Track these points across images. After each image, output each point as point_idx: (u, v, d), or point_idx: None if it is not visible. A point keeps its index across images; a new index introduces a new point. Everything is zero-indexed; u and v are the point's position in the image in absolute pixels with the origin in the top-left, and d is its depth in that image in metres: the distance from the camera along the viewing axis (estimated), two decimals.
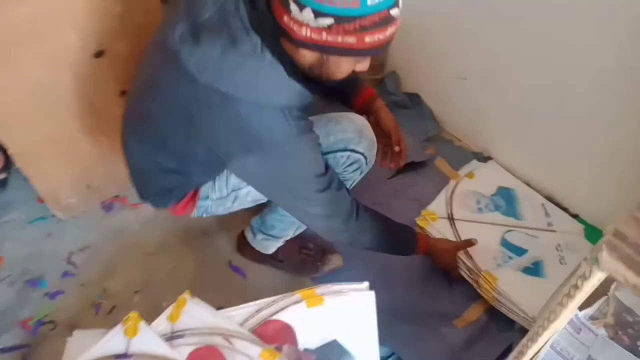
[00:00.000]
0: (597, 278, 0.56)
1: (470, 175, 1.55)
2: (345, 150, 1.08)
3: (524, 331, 1.18)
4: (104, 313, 1.27)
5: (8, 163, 1.41)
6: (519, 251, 1.34)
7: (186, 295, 1.05)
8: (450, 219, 1.42)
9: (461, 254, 1.28)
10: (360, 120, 1.12)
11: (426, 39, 1.61)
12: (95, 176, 1.41)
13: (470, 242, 1.27)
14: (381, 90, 1.81)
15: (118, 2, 1.10)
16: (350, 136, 1.07)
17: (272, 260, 1.35)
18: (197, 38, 0.80)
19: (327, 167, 0.94)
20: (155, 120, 0.95)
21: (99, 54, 1.16)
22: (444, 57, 1.58)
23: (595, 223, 1.41)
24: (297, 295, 1.02)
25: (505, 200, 1.49)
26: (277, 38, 0.82)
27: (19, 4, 0.97)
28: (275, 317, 1.00)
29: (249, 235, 1.32)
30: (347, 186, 1.12)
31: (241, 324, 1.00)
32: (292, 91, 0.83)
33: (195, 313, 1.03)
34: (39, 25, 1.02)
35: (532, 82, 1.36)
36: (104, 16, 1.09)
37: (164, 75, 0.88)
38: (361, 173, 1.16)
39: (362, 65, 0.88)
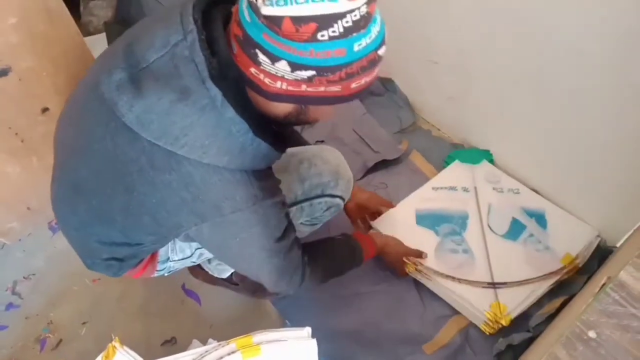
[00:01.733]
0: None
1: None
2: (322, 196, 1.00)
3: (503, 354, 1.07)
4: (50, 349, 1.18)
5: None
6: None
7: (115, 343, 0.95)
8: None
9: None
10: (335, 158, 1.03)
11: (396, 17, 1.42)
12: (33, 198, 1.30)
13: (420, 254, 1.19)
14: None
15: (11, 13, 0.94)
16: (326, 180, 0.99)
17: (227, 283, 1.24)
18: (139, 87, 0.65)
19: (286, 229, 0.81)
20: (90, 191, 0.78)
21: (3, 72, 1.02)
22: (415, 39, 1.40)
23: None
24: (232, 344, 0.91)
25: None
26: (242, 88, 0.67)
27: None
28: None
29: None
30: (316, 228, 1.08)
31: None
32: (257, 153, 0.68)
33: None
34: None
35: (506, 65, 1.19)
36: None
37: (97, 131, 0.71)
38: (337, 213, 1.09)
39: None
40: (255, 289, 1.23)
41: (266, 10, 0.56)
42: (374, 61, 0.62)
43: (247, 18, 0.59)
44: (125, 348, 0.95)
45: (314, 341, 0.89)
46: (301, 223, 1.01)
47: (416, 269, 1.18)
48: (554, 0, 1.00)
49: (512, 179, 1.36)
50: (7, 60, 1.01)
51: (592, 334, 0.50)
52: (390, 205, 1.29)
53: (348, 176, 1.05)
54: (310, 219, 1.02)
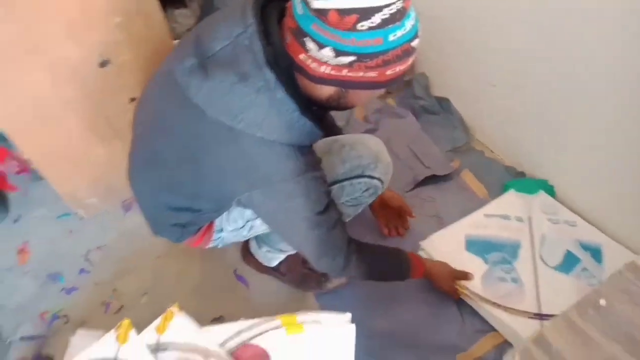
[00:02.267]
0: None
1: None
2: (362, 176, 1.07)
3: None
4: (112, 312, 1.32)
5: None
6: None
7: (174, 308, 1.05)
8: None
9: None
10: (375, 145, 1.10)
11: (456, 38, 1.48)
12: (114, 178, 1.45)
13: (466, 275, 1.21)
14: (408, 93, 1.70)
15: (117, 14, 1.10)
16: (366, 162, 1.06)
17: (275, 272, 1.32)
18: (206, 71, 0.77)
19: (328, 205, 0.90)
20: (162, 161, 0.92)
21: (103, 64, 1.17)
22: (475, 61, 1.45)
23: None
24: (278, 320, 0.99)
25: None
26: (292, 74, 0.79)
27: (2, 22, 0.98)
28: (253, 341, 0.98)
29: (253, 246, 1.31)
30: (359, 210, 1.14)
31: (221, 344, 0.99)
32: (303, 130, 0.79)
33: (180, 328, 1.03)
34: (32, 40, 1.03)
35: (567, 93, 1.20)
36: (104, 27, 1.10)
37: (171, 110, 0.85)
38: (376, 196, 1.14)
39: (381, 91, 0.85)
40: (301, 281, 1.31)
41: (316, 4, 0.67)
42: (408, 51, 0.72)
43: (300, 11, 0.70)
44: (183, 313, 1.06)
45: (353, 326, 0.95)
46: (343, 203, 1.07)
47: (465, 294, 1.20)
48: (617, 28, 1.02)
49: (568, 211, 1.35)
50: (109, 54, 1.16)
51: (602, 302, 0.54)
52: (409, 211, 1.33)
53: (387, 161, 1.11)
54: (351, 199, 1.08)
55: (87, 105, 1.22)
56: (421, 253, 1.31)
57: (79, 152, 1.32)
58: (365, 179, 1.08)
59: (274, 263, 1.30)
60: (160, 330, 1.05)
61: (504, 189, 1.44)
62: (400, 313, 1.23)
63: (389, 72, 0.73)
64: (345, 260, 0.97)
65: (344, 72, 0.72)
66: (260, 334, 0.99)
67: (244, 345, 0.99)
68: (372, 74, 0.72)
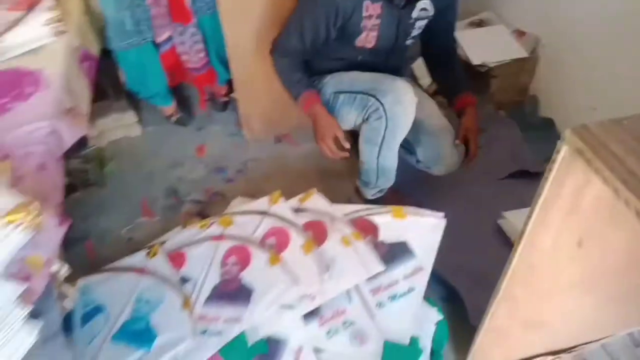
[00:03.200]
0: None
1: None
2: (368, 94, 1.37)
3: None
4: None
5: (230, 90, 2.04)
6: None
7: (314, 190, 1.48)
8: None
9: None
10: (403, 87, 1.33)
11: (564, 64, 1.80)
12: (276, 114, 1.94)
13: (342, 146, 1.42)
14: (520, 111, 2.03)
15: None
16: (381, 87, 1.34)
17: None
18: None
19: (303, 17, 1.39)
20: None
21: None
22: (578, 84, 1.74)
23: None
24: (388, 207, 1.36)
25: None
26: None
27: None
28: (367, 217, 1.36)
29: (358, 184, 1.70)
30: (376, 141, 1.40)
31: (344, 214, 1.38)
32: None
33: (316, 201, 1.45)
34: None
35: None
36: None
37: None
38: (386, 128, 1.36)
39: None
40: None
41: None
42: None
43: None
44: (320, 194, 1.47)
45: (444, 220, 1.29)
46: (348, 111, 1.45)
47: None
48: None
49: None
50: None
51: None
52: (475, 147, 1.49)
53: (400, 99, 1.31)
54: (357, 113, 1.42)
55: None
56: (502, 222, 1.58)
57: (265, 87, 1.79)
58: (372, 99, 1.34)
59: (369, 195, 1.66)
60: (302, 200, 1.48)
61: None
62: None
63: None
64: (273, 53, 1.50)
65: None
66: (374, 214, 1.36)
67: (360, 218, 1.37)
68: None
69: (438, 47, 1.57)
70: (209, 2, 1.73)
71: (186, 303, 1.18)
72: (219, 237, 1.33)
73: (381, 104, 1.33)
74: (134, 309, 1.19)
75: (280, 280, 1.20)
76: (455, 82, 1.55)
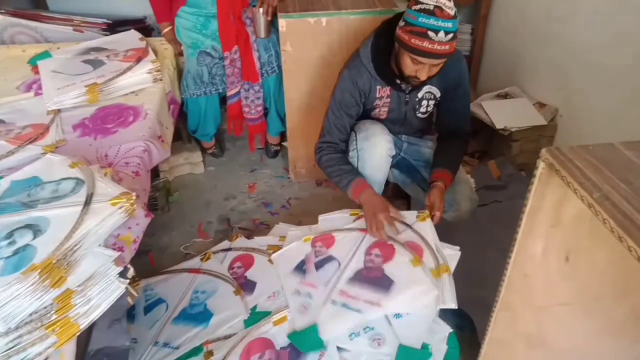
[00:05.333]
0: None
1: None
2: (355, 132, 1.66)
3: None
4: None
5: (282, 140, 2.38)
6: None
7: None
8: None
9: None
10: (376, 129, 1.62)
11: (579, 133, 2.01)
12: None
13: (389, 219, 1.49)
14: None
15: None
16: (363, 128, 1.63)
17: None
18: None
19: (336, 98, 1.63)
20: None
21: None
22: (608, 120, 1.89)
23: None
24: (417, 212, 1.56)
25: None
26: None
27: None
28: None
29: None
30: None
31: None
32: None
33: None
34: None
35: None
36: None
37: None
38: (358, 159, 1.64)
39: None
40: None
41: None
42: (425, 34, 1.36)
43: None
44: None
45: (459, 253, 1.46)
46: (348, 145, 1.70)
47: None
48: None
49: None
50: None
51: None
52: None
53: (370, 138, 1.59)
54: (350, 147, 1.68)
55: None
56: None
57: (309, 134, 2.10)
58: (354, 135, 1.65)
59: None
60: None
61: None
62: None
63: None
64: (319, 152, 1.68)
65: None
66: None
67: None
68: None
69: (447, 125, 1.73)
70: (274, 67, 2.13)
71: (237, 291, 1.40)
72: (366, 230, 1.53)
73: (356, 138, 1.63)
74: (191, 298, 1.42)
75: (423, 281, 1.33)
76: (446, 158, 1.65)
